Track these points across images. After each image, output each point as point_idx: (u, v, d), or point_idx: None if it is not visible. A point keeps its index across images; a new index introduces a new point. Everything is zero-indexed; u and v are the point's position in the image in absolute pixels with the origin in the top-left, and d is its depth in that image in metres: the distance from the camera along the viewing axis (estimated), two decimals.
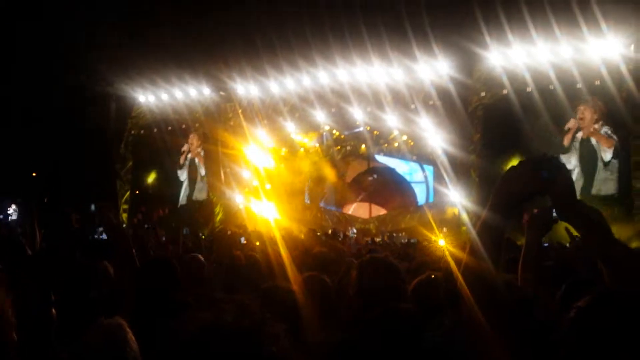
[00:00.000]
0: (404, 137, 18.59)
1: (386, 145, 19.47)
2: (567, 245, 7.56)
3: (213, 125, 20.67)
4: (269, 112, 19.75)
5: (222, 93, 20.51)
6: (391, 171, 19.70)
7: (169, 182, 21.85)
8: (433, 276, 3.07)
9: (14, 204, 20.76)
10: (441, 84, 16.54)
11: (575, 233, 2.53)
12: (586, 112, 15.22)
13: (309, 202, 20.28)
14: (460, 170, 16.56)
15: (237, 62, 17.72)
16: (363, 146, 19.83)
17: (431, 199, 18.71)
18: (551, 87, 15.13)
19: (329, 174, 19.42)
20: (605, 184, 15.00)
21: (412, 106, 17.35)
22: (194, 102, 21.11)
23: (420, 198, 19.14)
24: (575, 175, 15.23)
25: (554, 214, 2.52)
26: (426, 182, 18.99)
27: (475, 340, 1.79)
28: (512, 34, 14.65)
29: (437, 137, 17.06)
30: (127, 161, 22.70)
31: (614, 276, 1.86)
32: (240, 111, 20.21)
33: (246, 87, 19.69)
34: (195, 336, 1.09)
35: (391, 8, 14.24)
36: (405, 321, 2.35)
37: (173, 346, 1.11)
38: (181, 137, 21.66)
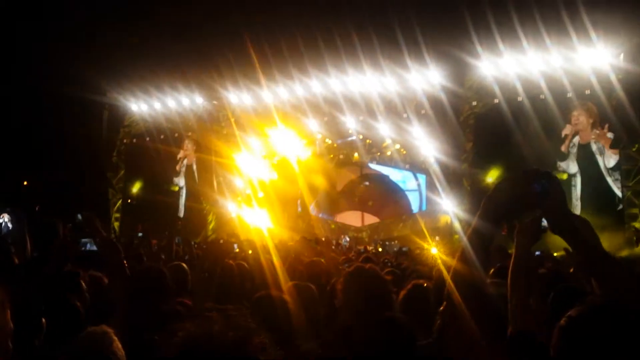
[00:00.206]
0: (397, 146, 18.66)
1: (379, 153, 19.53)
2: (555, 255, 7.63)
3: (206, 134, 20.66)
4: (261, 121, 19.75)
5: (214, 102, 20.51)
6: (384, 178, 19.72)
7: (161, 190, 21.75)
8: (425, 284, 3.07)
9: (5, 213, 20.59)
10: (433, 93, 16.63)
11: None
12: (581, 117, 15.28)
13: (301, 210, 20.27)
14: (453, 178, 16.62)
15: (230, 71, 17.75)
16: (356, 154, 19.88)
17: (424, 207, 18.75)
18: (542, 96, 15.23)
19: (322, 182, 19.42)
20: (609, 190, 15.01)
21: (405, 115, 17.42)
22: (186, 110, 21.10)
23: (414, 206, 19.17)
24: (577, 181, 15.32)
25: (544, 224, 2.54)
26: (419, 190, 19.02)
27: (463, 346, 1.80)
28: (503, 44, 14.77)
29: (429, 146, 17.13)
30: (119, 170, 22.63)
31: (603, 288, 1.88)
32: (232, 120, 20.21)
33: (239, 96, 19.71)
34: (181, 348, 1.09)
35: (383, 17, 14.34)
36: (400, 330, 2.36)
37: (159, 358, 1.11)
38: (174, 145, 21.64)
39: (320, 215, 20.32)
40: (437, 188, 16.73)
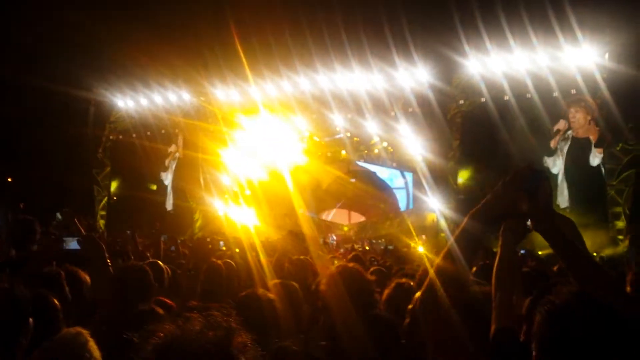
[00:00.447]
0: (384, 144, 18.70)
1: (366, 151, 19.56)
2: (540, 253, 7.71)
3: (192, 131, 20.56)
4: (247, 118, 19.70)
5: (201, 98, 20.42)
6: (371, 176, 19.73)
7: (147, 188, 21.62)
8: (410, 283, 3.08)
9: None
10: (420, 91, 16.69)
11: None
12: (578, 114, 15.30)
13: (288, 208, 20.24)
14: (439, 177, 16.70)
15: (217, 67, 17.66)
16: (343, 152, 19.88)
17: (411, 206, 18.81)
18: (528, 95, 15.33)
19: (308, 180, 19.41)
20: (591, 188, 15.13)
21: (392, 113, 17.47)
22: (173, 107, 20.99)
23: (401, 204, 19.23)
24: (559, 178, 15.41)
25: (529, 223, 2.56)
26: (406, 188, 19.07)
27: (442, 343, 1.82)
28: (490, 42, 14.85)
29: (416, 144, 17.19)
30: (105, 167, 22.46)
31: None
32: (220, 116, 20.13)
33: (226, 93, 19.63)
34: (160, 349, 1.08)
35: (372, 15, 14.34)
36: (388, 328, 2.37)
37: (138, 359, 1.10)
38: (160, 142, 21.50)
39: (307, 213, 20.30)
40: (424, 186, 16.79)
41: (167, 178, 21.73)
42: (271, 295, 2.95)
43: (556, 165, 15.53)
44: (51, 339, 1.84)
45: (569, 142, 15.52)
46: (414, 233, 14.96)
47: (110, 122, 22.44)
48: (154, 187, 21.72)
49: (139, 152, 21.21)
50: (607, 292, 1.82)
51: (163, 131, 21.55)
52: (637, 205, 14.28)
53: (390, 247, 11.40)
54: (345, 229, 19.40)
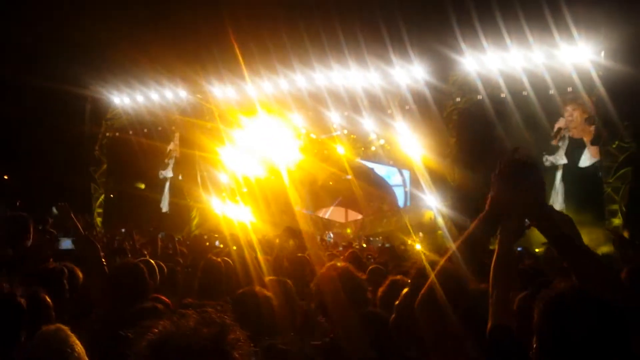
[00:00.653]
0: (381, 141, 18.69)
1: (363, 149, 19.55)
2: (537, 251, 7.73)
3: (190, 128, 20.53)
4: (245, 115, 19.67)
5: (198, 95, 20.39)
6: (368, 172, 19.69)
7: (145, 186, 21.60)
8: (405, 280, 3.08)
9: None
10: (417, 88, 16.69)
11: None
12: (575, 113, 15.35)
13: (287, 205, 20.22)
14: (436, 174, 16.70)
15: (214, 65, 17.64)
16: (340, 150, 19.84)
17: (409, 203, 18.82)
18: (524, 93, 15.36)
19: (305, 177, 19.40)
20: (587, 188, 15.15)
21: (389, 111, 17.46)
22: (170, 104, 20.95)
23: (400, 202, 19.22)
24: (558, 178, 15.44)
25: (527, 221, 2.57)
26: (404, 185, 19.07)
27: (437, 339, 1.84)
28: (487, 40, 14.86)
29: (413, 142, 17.19)
30: (102, 164, 22.42)
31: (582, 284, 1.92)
32: (217, 114, 20.09)
33: (223, 90, 19.60)
34: (154, 345, 1.09)
35: (368, 13, 14.34)
36: (381, 325, 2.39)
37: (133, 355, 1.11)
38: (157, 139, 21.46)
39: (304, 211, 20.29)
40: (421, 184, 16.79)
41: (168, 174, 21.71)
42: (268, 293, 2.96)
43: (557, 162, 15.56)
44: (32, 337, 1.84)
45: (566, 142, 15.56)
46: (411, 230, 14.97)
47: (107, 119, 22.39)
48: (142, 186, 21.69)
49: (135, 150, 21.16)
50: (606, 287, 1.84)
51: (160, 128, 21.52)
52: (634, 202, 14.33)
53: (387, 245, 11.41)
54: (348, 230, 19.36)
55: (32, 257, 3.77)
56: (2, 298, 2.12)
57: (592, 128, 15.20)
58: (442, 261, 1.90)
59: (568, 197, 15.09)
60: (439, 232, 15.42)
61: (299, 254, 5.45)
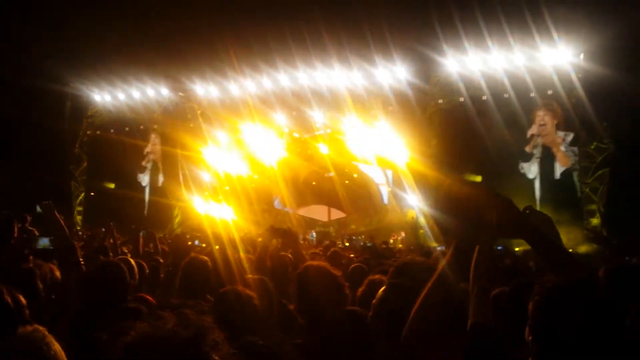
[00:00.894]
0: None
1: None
2: (517, 250, 7.83)
3: (172, 127, 20.38)
4: (228, 114, 19.59)
5: (180, 94, 20.25)
6: (352, 170, 19.64)
7: (125, 184, 21.39)
8: (383, 279, 3.10)
9: None
10: (400, 89, 16.75)
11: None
12: (546, 118, 15.54)
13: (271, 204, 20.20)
14: (418, 174, 16.77)
15: (197, 63, 17.54)
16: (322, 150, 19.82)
17: (393, 202, 18.85)
18: (506, 95, 15.50)
19: (288, 175, 19.37)
20: (556, 195, 15.32)
21: (372, 111, 17.50)
22: (152, 102, 20.78)
23: (385, 200, 19.24)
24: (537, 184, 15.63)
25: None
26: (387, 184, 19.11)
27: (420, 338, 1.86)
28: (468, 42, 14.98)
29: (395, 141, 17.23)
30: (82, 162, 22.17)
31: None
32: (199, 112, 19.98)
33: (206, 89, 19.50)
34: (130, 348, 1.08)
35: (351, 13, 14.37)
36: (359, 323, 2.40)
37: (109, 357, 1.10)
38: (139, 138, 21.29)
39: (285, 209, 20.27)
40: (403, 183, 16.86)
41: (144, 180, 21.54)
42: (251, 293, 2.96)
43: (531, 171, 15.74)
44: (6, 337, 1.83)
45: (539, 149, 15.76)
46: (393, 229, 15.05)
47: (88, 117, 22.14)
48: (112, 186, 21.52)
49: (116, 148, 20.97)
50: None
51: (142, 127, 21.33)
52: (612, 203, 14.55)
53: (368, 244, 11.45)
54: (331, 229, 19.27)
55: (11, 256, 3.73)
56: None
57: (562, 135, 15.45)
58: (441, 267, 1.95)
59: (544, 201, 15.22)
60: (421, 231, 15.53)
61: (282, 253, 5.44)
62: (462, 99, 16.25)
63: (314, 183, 19.98)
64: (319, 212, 20.08)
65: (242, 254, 5.02)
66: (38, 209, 4.50)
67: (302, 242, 13.28)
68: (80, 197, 21.92)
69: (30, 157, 18.62)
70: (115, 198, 20.55)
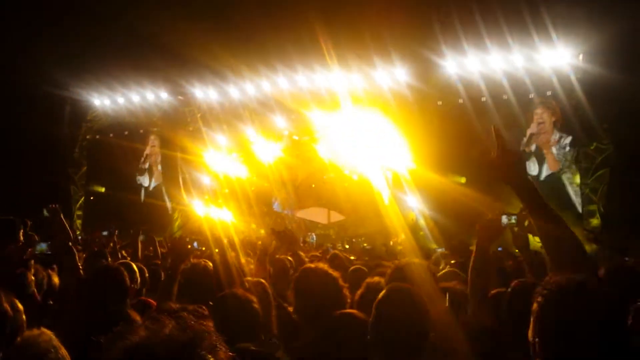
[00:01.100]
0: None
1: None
2: (517, 251, 7.79)
3: (171, 130, 20.39)
4: (228, 117, 19.62)
5: (180, 97, 20.26)
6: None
7: (125, 187, 21.38)
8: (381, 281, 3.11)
9: None
10: (399, 90, 16.75)
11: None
12: (544, 115, 15.51)
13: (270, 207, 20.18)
14: (418, 175, 16.72)
15: (196, 66, 17.54)
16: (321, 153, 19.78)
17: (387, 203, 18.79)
18: (505, 96, 15.51)
19: (286, 177, 19.38)
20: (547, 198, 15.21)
21: (370, 113, 17.47)
22: (151, 106, 20.79)
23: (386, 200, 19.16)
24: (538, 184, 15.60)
25: (503, 220, 2.62)
26: (388, 186, 18.98)
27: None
28: (467, 43, 14.99)
29: (395, 143, 17.20)
30: (82, 166, 22.17)
31: (552, 258, 1.98)
32: (199, 116, 19.99)
33: (205, 92, 19.51)
34: (127, 351, 1.07)
35: (349, 15, 14.38)
36: (359, 326, 2.40)
37: None
38: (139, 142, 21.30)
39: (285, 212, 20.26)
40: (403, 185, 16.83)
41: (144, 182, 21.53)
42: (250, 296, 2.95)
43: (531, 170, 15.72)
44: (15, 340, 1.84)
45: (534, 147, 15.74)
46: (393, 232, 14.98)
47: (87, 121, 22.15)
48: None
49: (116, 152, 20.97)
50: (571, 250, 1.91)
51: (141, 131, 21.35)
52: (611, 203, 14.54)
53: (368, 247, 11.46)
54: (331, 232, 19.25)
55: (12, 261, 3.72)
56: None
57: (557, 138, 15.43)
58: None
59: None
60: (421, 233, 15.52)
61: (283, 256, 5.45)
62: (461, 101, 16.24)
63: (313, 185, 19.96)
64: (319, 215, 20.06)
65: (241, 257, 5.01)
66: (45, 212, 4.50)
67: (302, 244, 13.26)
68: (80, 202, 21.92)
69: (29, 162, 18.61)
70: (115, 202, 20.54)
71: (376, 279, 3.17)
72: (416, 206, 16.39)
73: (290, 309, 3.08)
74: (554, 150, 15.48)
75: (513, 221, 2.61)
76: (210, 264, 4.81)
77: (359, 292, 3.10)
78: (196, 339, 1.11)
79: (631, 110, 13.08)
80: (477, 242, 2.86)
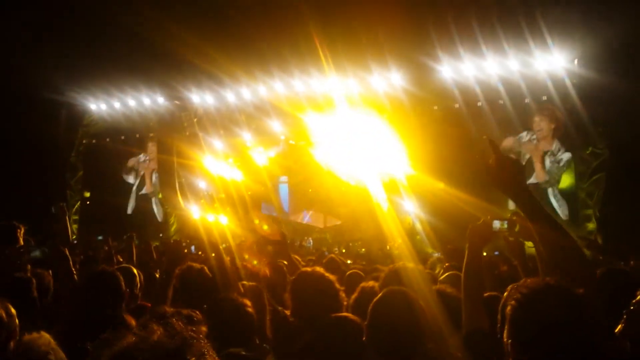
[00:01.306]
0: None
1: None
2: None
3: (168, 135, 20.38)
4: (224, 122, 19.62)
5: (176, 102, 20.26)
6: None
7: (121, 192, 21.36)
8: (375, 285, 3.11)
9: None
10: (395, 95, 16.78)
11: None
12: (542, 123, 15.56)
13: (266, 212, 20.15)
14: (414, 180, 16.74)
15: (192, 71, 17.55)
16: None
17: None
18: (501, 101, 15.56)
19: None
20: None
21: (367, 118, 17.50)
22: (148, 110, 20.78)
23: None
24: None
25: (495, 225, 2.63)
26: (384, 191, 18.98)
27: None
28: (463, 48, 15.04)
29: (391, 148, 17.22)
30: (78, 171, 22.13)
31: (554, 265, 1.99)
32: (195, 120, 19.99)
33: (201, 96, 19.51)
34: (115, 358, 1.07)
35: (346, 20, 14.42)
36: (354, 330, 2.40)
37: None
38: (135, 146, 21.28)
39: (274, 214, 20.21)
40: (399, 189, 16.82)
41: (129, 180, 21.50)
42: (245, 300, 2.95)
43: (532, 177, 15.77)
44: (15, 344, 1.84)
45: (527, 156, 15.78)
46: (389, 236, 14.97)
47: (83, 126, 22.12)
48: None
49: (112, 156, 20.95)
50: (572, 257, 1.92)
51: (137, 135, 21.32)
52: (607, 208, 14.58)
53: (363, 252, 11.46)
54: (327, 236, 19.24)
55: (8, 265, 3.72)
56: None
57: (551, 148, 15.47)
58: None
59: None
60: (418, 237, 15.53)
61: (279, 260, 5.44)
62: (457, 105, 16.28)
63: (309, 190, 19.96)
64: (315, 219, 20.06)
65: (237, 262, 5.01)
66: (53, 209, 4.53)
67: (299, 249, 13.26)
68: (77, 206, 21.87)
69: (25, 166, 18.55)
70: (111, 207, 20.50)
71: (370, 283, 3.18)
72: (412, 210, 16.40)
73: (287, 312, 3.09)
74: (547, 161, 15.50)
75: (505, 226, 2.62)
76: (206, 268, 4.81)
77: (353, 296, 3.10)
78: (184, 345, 1.10)
79: (626, 115, 13.13)
80: (468, 246, 2.87)
